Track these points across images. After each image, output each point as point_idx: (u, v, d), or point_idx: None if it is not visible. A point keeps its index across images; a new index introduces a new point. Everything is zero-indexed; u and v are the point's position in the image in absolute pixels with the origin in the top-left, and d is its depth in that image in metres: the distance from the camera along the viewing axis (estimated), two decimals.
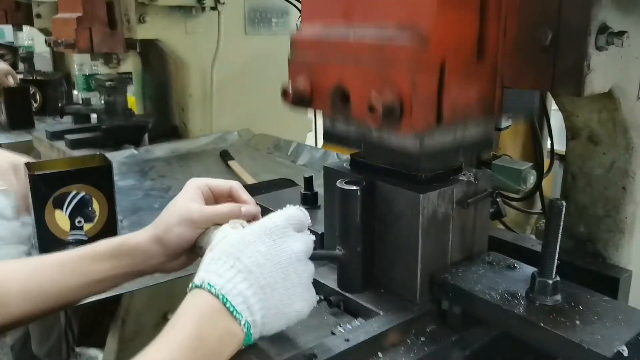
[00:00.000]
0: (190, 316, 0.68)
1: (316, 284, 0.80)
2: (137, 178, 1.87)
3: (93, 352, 2.32)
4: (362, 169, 0.94)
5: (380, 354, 0.80)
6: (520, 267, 0.88)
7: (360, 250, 0.87)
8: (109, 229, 1.35)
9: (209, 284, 0.69)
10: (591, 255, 0.94)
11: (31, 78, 3.00)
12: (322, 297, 0.87)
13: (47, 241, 1.30)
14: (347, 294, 0.89)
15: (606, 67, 0.73)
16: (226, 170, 1.95)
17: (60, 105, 2.85)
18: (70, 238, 1.33)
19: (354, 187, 0.85)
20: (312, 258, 0.77)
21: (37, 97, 2.83)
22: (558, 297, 0.77)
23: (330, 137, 0.88)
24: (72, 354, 2.25)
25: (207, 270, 0.71)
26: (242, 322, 0.68)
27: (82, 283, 0.86)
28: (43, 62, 3.48)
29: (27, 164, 1.28)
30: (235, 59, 2.30)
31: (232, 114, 2.33)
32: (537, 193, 1.32)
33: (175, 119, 2.35)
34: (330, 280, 0.92)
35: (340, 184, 0.87)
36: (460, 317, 0.85)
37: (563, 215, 0.75)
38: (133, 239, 0.88)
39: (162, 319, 1.92)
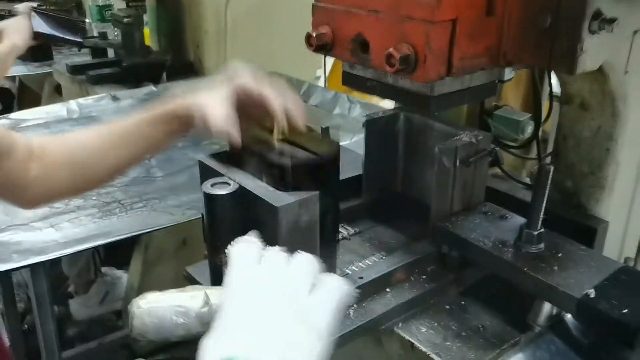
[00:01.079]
0: None
1: None
2: None
3: (118, 272, 2.52)
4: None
5: (388, 289, 0.94)
6: (511, 217, 1.01)
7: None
8: None
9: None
10: (575, 206, 1.07)
11: (45, 7, 3.02)
12: None
13: None
14: None
15: (597, 48, 0.83)
16: None
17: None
18: None
19: (221, 192, 0.80)
20: None
21: None
22: (542, 245, 0.91)
23: (349, 79, 0.98)
24: (99, 274, 2.45)
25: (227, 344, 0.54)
26: None
27: (148, 144, 0.93)
28: None
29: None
30: None
31: (246, 50, 2.39)
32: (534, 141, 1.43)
33: (190, 55, 2.41)
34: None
35: (206, 187, 0.81)
36: (457, 259, 0.99)
37: (550, 178, 0.87)
38: (181, 107, 0.88)
39: (182, 245, 2.08)
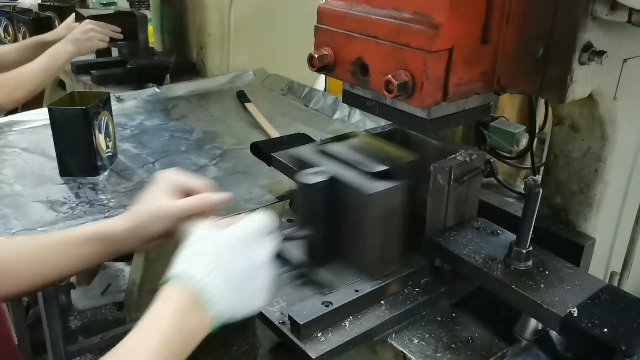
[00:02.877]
0: (169, 309, 0.73)
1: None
2: (162, 117, 2.02)
3: (120, 265, 2.56)
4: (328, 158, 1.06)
5: (382, 302, 0.99)
6: (502, 233, 1.05)
7: (322, 232, 1.01)
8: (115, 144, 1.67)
9: (188, 275, 0.74)
10: (564, 222, 1.11)
11: (49, 4, 3.06)
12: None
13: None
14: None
15: (587, 77, 0.87)
16: (243, 112, 2.09)
17: None
18: (106, 155, 1.60)
19: (315, 180, 0.98)
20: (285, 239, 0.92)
21: (56, 23, 2.89)
22: (530, 263, 0.95)
23: (349, 98, 1.03)
24: (102, 266, 2.49)
25: (187, 264, 0.76)
26: (212, 314, 0.74)
27: (63, 265, 0.92)
28: None
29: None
30: None
31: (248, 52, 2.43)
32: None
33: (194, 56, 2.45)
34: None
35: (301, 177, 0.98)
36: (449, 272, 1.04)
37: (539, 200, 0.91)
38: (110, 227, 0.92)
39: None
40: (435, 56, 0.83)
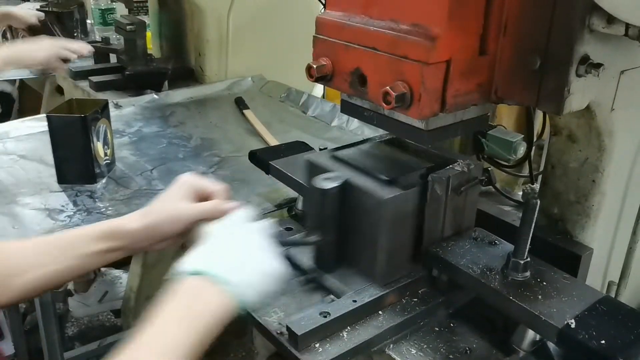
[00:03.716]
0: (180, 293, 0.78)
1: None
2: (159, 124, 2.01)
3: (117, 272, 2.56)
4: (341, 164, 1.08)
5: (380, 312, 0.99)
6: (500, 243, 1.05)
7: (333, 237, 1.04)
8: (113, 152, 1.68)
9: (195, 269, 0.80)
10: (561, 232, 1.11)
11: (47, 9, 3.05)
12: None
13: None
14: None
15: (584, 89, 0.88)
16: (242, 119, 2.09)
17: (75, 36, 2.93)
18: (104, 162, 1.61)
19: (330, 186, 1.00)
20: (289, 244, 0.97)
21: (56, 30, 2.89)
22: (527, 273, 0.95)
23: (347, 108, 1.03)
24: (98, 273, 2.49)
25: (195, 259, 0.83)
26: (223, 283, 0.79)
27: (76, 263, 0.92)
28: None
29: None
30: (251, 5, 2.38)
31: (247, 58, 2.43)
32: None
33: (192, 62, 2.45)
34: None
35: (317, 182, 1.00)
36: (447, 282, 1.04)
37: (536, 212, 0.92)
38: (127, 225, 0.94)
39: (181, 248, 2.13)
40: (433, 68, 0.84)
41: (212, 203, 0.95)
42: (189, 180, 0.98)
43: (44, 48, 1.83)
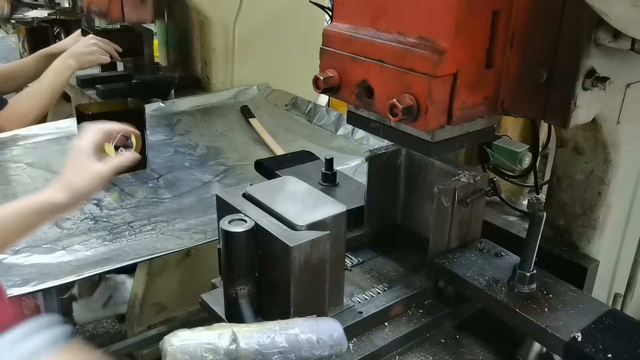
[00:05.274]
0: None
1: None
2: (166, 132, 2.03)
3: (121, 277, 2.56)
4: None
5: (386, 323, 0.99)
6: (506, 255, 1.05)
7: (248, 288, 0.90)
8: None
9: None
10: (567, 244, 1.11)
11: (55, 17, 3.08)
12: None
13: None
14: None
15: (590, 102, 0.88)
16: (247, 127, 2.10)
17: None
18: None
19: (238, 230, 0.85)
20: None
21: (62, 36, 2.92)
22: (533, 286, 0.95)
23: (353, 119, 1.03)
24: (103, 278, 2.50)
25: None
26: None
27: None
28: None
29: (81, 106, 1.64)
30: (258, 14, 2.39)
31: (253, 67, 2.45)
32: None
33: (198, 71, 2.46)
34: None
35: (224, 224, 0.86)
36: (453, 294, 1.04)
37: (542, 225, 0.92)
38: (54, 198, 1.06)
39: (185, 256, 2.13)
40: (440, 81, 0.84)
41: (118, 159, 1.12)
42: (89, 139, 1.10)
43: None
